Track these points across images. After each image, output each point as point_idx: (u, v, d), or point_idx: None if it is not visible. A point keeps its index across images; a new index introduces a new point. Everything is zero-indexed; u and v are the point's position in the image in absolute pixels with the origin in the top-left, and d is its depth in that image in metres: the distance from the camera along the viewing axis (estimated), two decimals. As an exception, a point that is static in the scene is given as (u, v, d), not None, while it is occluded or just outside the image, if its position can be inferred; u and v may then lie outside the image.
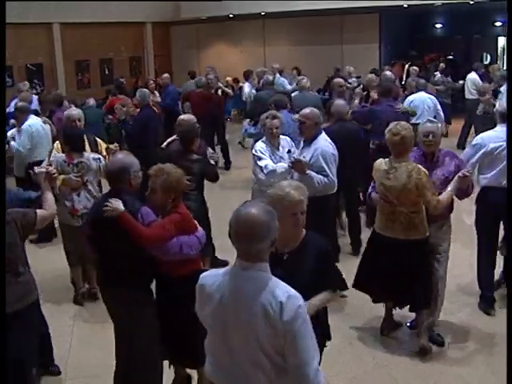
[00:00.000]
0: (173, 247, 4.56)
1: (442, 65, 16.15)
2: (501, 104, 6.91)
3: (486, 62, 22.48)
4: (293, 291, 2.99)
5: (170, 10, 21.75)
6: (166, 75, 15.78)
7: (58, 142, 7.35)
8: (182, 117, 7.66)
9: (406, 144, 5.36)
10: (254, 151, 6.98)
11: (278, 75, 15.96)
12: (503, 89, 12.10)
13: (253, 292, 2.99)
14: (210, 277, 3.20)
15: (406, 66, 16.66)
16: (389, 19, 20.70)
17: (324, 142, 6.51)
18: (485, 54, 23.03)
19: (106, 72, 20.71)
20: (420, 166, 5.33)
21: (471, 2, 17.85)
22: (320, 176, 6.30)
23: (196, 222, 4.87)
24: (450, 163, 5.61)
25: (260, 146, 6.93)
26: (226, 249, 4.66)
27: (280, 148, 6.99)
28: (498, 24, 22.49)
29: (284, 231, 3.34)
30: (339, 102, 8.53)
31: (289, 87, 14.98)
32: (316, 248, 3.81)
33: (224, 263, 6.70)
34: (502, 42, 22.83)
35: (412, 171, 5.26)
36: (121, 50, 21.30)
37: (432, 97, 11.21)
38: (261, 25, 21.98)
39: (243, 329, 3.01)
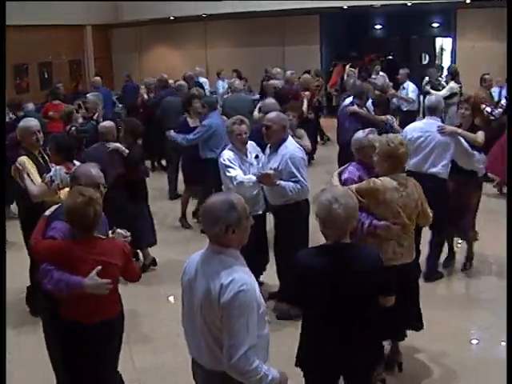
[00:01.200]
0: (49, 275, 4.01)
1: (378, 67, 16.37)
2: (429, 99, 7.49)
3: (425, 62, 22.96)
4: (239, 276, 3.18)
5: (109, 12, 21.48)
6: (96, 78, 15.43)
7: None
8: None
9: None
10: (221, 160, 6.52)
11: (200, 78, 16.03)
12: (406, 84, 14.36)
13: (208, 274, 3.28)
14: (195, 255, 3.51)
15: (347, 66, 16.85)
16: (329, 20, 20.92)
17: (292, 147, 6.26)
18: (423, 55, 23.49)
19: (46, 76, 20.34)
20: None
21: (409, 4, 18.17)
22: (291, 183, 6.03)
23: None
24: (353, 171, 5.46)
25: (228, 154, 6.52)
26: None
27: (248, 154, 6.65)
28: (435, 25, 22.96)
29: None
30: (270, 101, 8.63)
31: (208, 89, 14.95)
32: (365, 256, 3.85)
33: None
34: (439, 42, 23.33)
35: (416, 185, 5.03)
36: (60, 53, 20.94)
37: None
38: (202, 27, 21.94)
39: (196, 307, 3.32)
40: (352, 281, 3.63)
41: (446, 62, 21.73)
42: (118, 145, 7.56)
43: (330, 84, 15.82)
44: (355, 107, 9.50)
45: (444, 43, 22.85)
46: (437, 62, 23.20)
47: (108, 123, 7.97)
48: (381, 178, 4.93)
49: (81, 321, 4.10)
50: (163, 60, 22.27)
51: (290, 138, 6.40)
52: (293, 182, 6.08)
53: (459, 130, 6.99)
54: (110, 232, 4.54)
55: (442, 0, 17.84)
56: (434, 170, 6.90)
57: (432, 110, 7.22)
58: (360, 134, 5.58)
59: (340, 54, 21.23)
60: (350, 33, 23.06)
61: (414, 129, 7.18)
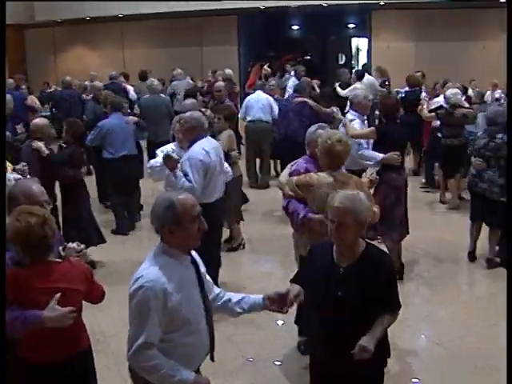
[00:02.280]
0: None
1: (289, 67, 16.54)
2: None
3: (341, 62, 23.35)
4: (149, 273, 3.17)
5: (24, 12, 20.93)
6: (9, 81, 14.97)
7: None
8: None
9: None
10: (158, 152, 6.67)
11: (95, 82, 15.82)
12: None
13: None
14: None
15: (265, 66, 16.92)
16: (247, 21, 21.03)
17: (197, 148, 6.17)
18: (340, 55, 23.88)
19: (-43, 77, 19.63)
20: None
21: (325, 5, 18.44)
22: (184, 179, 6.03)
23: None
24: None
25: (170, 147, 6.73)
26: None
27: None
28: (351, 26, 23.38)
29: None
30: (189, 101, 8.64)
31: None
32: (375, 262, 3.56)
33: None
34: (355, 42, 23.78)
35: (359, 183, 4.95)
36: (-29, 54, 20.26)
37: (269, 97, 11.47)
38: (120, 27, 21.67)
39: None
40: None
41: (363, 61, 22.18)
42: (39, 144, 7.28)
43: (247, 84, 15.85)
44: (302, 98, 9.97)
45: (360, 43, 23.31)
46: (353, 62, 23.67)
47: (40, 120, 7.69)
48: (318, 173, 4.98)
49: (48, 361, 3.54)
50: (80, 61, 21.89)
51: (202, 139, 6.30)
52: (187, 180, 6.09)
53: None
54: (61, 248, 3.98)
55: (356, 1, 18.19)
56: None
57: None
58: (312, 128, 5.64)
59: (258, 54, 21.33)
60: (268, 33, 23.20)
61: None
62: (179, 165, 6.08)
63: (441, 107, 10.07)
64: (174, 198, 3.24)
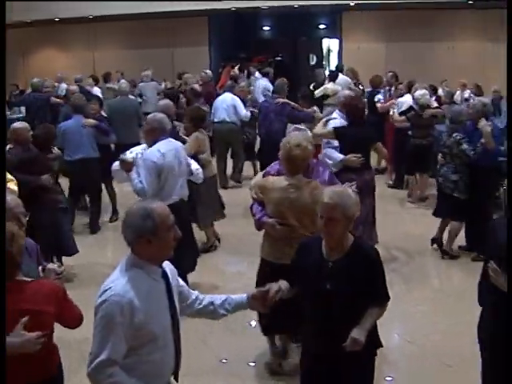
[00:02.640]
0: None
1: (252, 69, 16.58)
2: None
3: (313, 63, 23.47)
4: (116, 286, 3.04)
5: (-9, 13, 20.66)
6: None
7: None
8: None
9: (307, 158, 4.94)
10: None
11: (61, 84, 15.76)
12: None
13: None
14: None
15: (236, 68, 16.97)
16: (218, 22, 21.00)
17: (152, 149, 6.21)
18: (311, 55, 23.99)
19: None
20: (319, 183, 4.90)
21: (296, 6, 18.49)
22: (137, 180, 6.06)
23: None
24: (323, 172, 5.33)
25: (140, 149, 6.73)
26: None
27: None
28: (322, 27, 23.49)
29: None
30: (161, 103, 8.74)
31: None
32: (364, 256, 3.64)
33: None
34: (326, 44, 23.89)
35: (315, 190, 4.75)
36: None
37: (235, 97, 11.43)
38: (90, 28, 21.49)
39: None
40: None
41: (334, 62, 22.30)
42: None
43: (219, 85, 15.84)
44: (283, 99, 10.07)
45: (331, 44, 23.43)
46: (324, 62, 23.79)
47: (18, 124, 7.44)
48: (276, 177, 4.98)
49: None
50: (50, 63, 21.64)
51: (161, 141, 6.26)
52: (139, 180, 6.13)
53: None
54: (40, 269, 3.80)
55: (327, 2, 18.26)
56: None
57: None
58: (288, 130, 5.65)
59: (229, 55, 21.34)
60: (239, 34, 23.25)
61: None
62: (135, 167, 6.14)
63: (411, 108, 10.18)
64: (149, 208, 3.12)
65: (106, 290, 3.03)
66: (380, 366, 5.33)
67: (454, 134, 7.61)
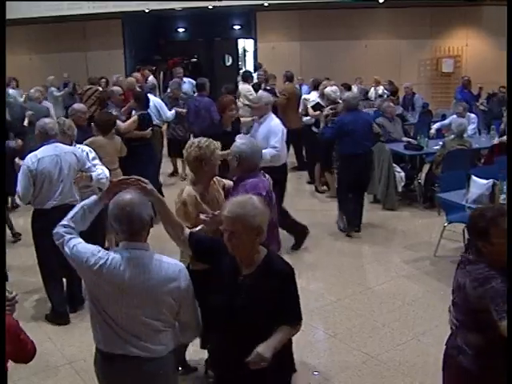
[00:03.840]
0: None
1: (179, 69, 16.46)
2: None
3: (229, 64, 23.52)
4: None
5: None
6: None
7: None
8: None
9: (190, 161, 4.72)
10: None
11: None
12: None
13: None
14: None
15: (146, 70, 16.84)
16: (132, 24, 20.73)
17: (31, 154, 6.16)
18: (226, 56, 24.02)
19: None
20: (191, 190, 4.67)
21: (210, 7, 18.48)
22: (18, 186, 6.12)
23: None
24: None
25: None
26: None
27: None
28: (237, 27, 23.56)
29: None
30: (77, 105, 8.50)
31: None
32: (275, 272, 3.34)
33: None
34: (241, 44, 23.98)
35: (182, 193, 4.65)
36: None
37: (158, 99, 11.40)
38: (0, 32, 20.88)
39: None
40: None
41: (249, 62, 22.41)
42: None
43: (135, 87, 15.67)
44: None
45: (246, 45, 23.53)
46: (240, 62, 23.87)
47: None
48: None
49: None
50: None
51: (45, 146, 6.20)
52: None
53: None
54: None
55: (241, 3, 18.32)
56: None
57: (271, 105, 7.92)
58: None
59: (144, 57, 21.12)
60: (154, 36, 23.05)
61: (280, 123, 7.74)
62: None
63: (318, 105, 10.45)
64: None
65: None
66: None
67: None
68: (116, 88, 11.03)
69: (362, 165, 8.68)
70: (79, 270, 3.36)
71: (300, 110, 11.43)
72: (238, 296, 3.32)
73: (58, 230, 3.46)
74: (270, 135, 7.42)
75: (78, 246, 3.36)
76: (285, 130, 7.62)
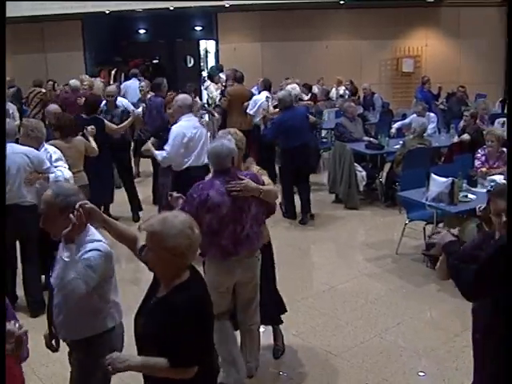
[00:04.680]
0: None
1: (135, 70, 16.38)
2: (186, 98, 7.94)
3: (190, 65, 23.46)
4: None
5: None
6: None
7: None
8: None
9: None
10: None
11: None
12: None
13: None
14: None
15: (113, 72, 16.70)
16: (92, 26, 20.50)
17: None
18: (188, 57, 23.97)
19: None
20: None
21: (171, 8, 18.40)
22: None
23: None
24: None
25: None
26: None
27: None
28: (198, 28, 23.50)
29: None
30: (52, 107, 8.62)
31: None
32: (175, 304, 3.00)
33: None
34: (203, 45, 23.95)
35: None
36: None
37: (122, 99, 11.29)
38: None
39: None
40: None
41: (211, 63, 22.37)
42: None
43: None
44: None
45: (208, 46, 23.50)
46: (202, 64, 23.84)
47: None
48: None
49: None
50: None
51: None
52: None
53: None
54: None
55: (202, 3, 18.27)
56: (206, 160, 7.22)
57: (189, 107, 7.78)
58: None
59: (105, 59, 20.91)
60: (115, 38, 22.85)
61: (187, 127, 7.51)
62: None
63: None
64: None
65: None
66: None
67: None
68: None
69: (301, 155, 9.23)
70: None
71: (249, 111, 11.44)
72: (145, 317, 3.15)
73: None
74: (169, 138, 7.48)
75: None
76: (187, 135, 7.47)
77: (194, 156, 7.48)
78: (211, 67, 15.33)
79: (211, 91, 14.54)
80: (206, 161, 7.12)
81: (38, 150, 6.54)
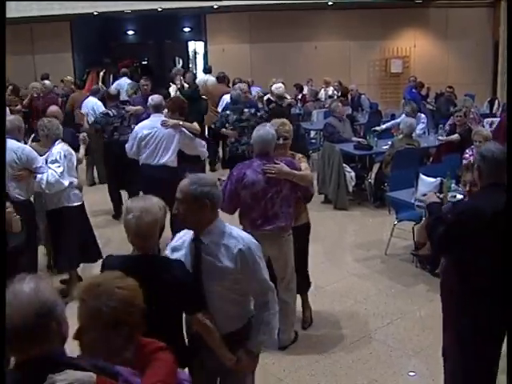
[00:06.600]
0: None
1: (125, 70, 16.33)
2: (153, 99, 8.28)
3: (179, 66, 23.42)
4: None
5: None
6: None
7: None
8: None
9: None
10: None
11: None
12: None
13: None
14: None
15: (101, 73, 16.67)
16: (80, 27, 20.44)
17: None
18: (177, 58, 23.93)
19: None
20: None
21: (159, 10, 18.37)
22: None
23: None
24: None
25: None
26: None
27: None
28: (187, 30, 23.48)
29: None
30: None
31: None
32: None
33: None
34: (192, 46, 23.92)
35: None
36: None
37: (97, 102, 11.32)
38: None
39: None
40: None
41: (200, 64, 22.36)
42: None
43: (84, 91, 15.48)
44: None
45: (197, 47, 23.48)
46: (190, 65, 23.81)
47: None
48: None
49: None
50: None
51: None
52: None
53: (180, 122, 7.87)
54: None
55: (190, 4, 18.24)
56: (163, 160, 7.78)
57: (156, 108, 8.11)
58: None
59: (93, 60, 20.82)
60: (103, 39, 22.75)
61: (144, 126, 7.97)
62: None
63: (269, 100, 10.73)
64: None
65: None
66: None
67: (246, 110, 9.31)
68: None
69: None
70: None
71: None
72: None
73: None
74: None
75: None
76: (139, 134, 7.89)
77: (145, 155, 7.86)
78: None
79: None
80: (163, 161, 7.78)
81: (50, 148, 6.62)
